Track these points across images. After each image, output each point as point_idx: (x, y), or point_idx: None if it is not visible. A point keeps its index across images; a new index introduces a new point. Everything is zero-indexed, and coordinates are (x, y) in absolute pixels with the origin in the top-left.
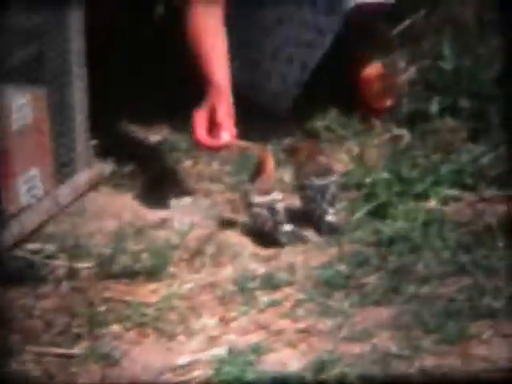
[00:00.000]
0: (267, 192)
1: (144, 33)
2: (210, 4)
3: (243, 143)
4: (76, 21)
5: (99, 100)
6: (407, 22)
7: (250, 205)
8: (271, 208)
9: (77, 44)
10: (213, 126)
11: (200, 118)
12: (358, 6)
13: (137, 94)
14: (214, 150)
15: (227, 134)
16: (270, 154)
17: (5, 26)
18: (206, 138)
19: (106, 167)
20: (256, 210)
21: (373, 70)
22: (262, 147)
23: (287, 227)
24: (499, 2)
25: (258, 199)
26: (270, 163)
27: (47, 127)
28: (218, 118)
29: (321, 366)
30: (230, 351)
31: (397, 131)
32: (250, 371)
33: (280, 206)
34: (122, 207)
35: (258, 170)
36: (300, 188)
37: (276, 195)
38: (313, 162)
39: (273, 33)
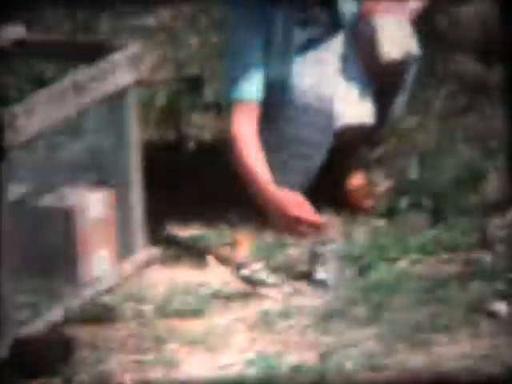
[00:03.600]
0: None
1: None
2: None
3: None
4: (134, 140)
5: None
6: (382, 148)
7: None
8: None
9: (135, 157)
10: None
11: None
12: (346, 126)
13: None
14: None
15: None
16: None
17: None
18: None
19: (157, 250)
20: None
21: (357, 179)
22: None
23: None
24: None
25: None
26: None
27: (114, 218)
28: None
29: (324, 356)
30: (258, 355)
31: (376, 222)
32: (273, 365)
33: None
34: (170, 277)
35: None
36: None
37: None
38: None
39: (282, 148)
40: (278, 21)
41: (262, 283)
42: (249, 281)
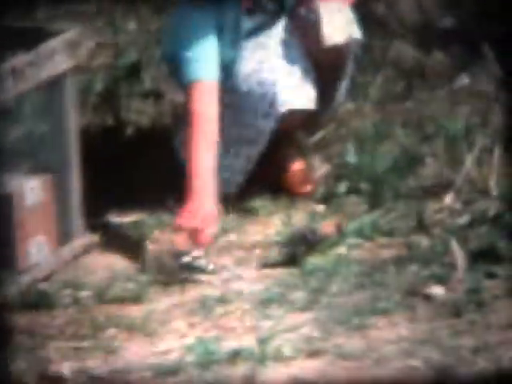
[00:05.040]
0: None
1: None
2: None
3: None
4: (72, 126)
5: (88, 187)
6: (321, 134)
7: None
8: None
9: (73, 143)
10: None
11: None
12: (289, 111)
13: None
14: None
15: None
16: None
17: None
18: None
19: (95, 237)
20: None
21: (296, 164)
22: None
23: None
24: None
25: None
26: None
27: (52, 204)
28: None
29: (263, 341)
30: (197, 340)
31: (315, 207)
32: (212, 350)
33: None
34: (108, 263)
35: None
36: None
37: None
38: None
39: (225, 133)
40: (226, 8)
41: (202, 270)
42: (188, 267)
